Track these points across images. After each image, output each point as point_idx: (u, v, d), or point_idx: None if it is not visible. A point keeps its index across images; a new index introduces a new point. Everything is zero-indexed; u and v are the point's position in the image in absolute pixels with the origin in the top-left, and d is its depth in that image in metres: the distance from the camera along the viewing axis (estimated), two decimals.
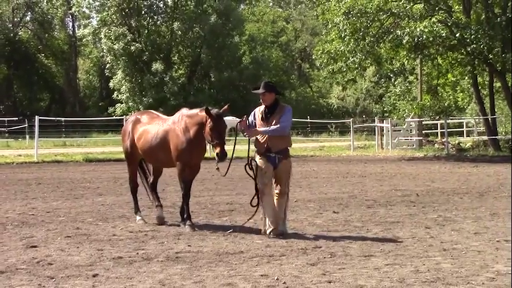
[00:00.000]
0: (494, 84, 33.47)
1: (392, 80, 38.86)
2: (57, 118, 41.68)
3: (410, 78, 38.63)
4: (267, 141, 9.96)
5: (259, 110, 10.12)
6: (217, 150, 9.92)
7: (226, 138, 10.35)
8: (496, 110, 34.30)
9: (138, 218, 11.20)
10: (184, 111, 10.74)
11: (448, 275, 7.23)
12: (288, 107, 10.14)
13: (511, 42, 29.00)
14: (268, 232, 9.68)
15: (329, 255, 8.31)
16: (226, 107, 10.45)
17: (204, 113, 10.12)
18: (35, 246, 8.96)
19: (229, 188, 16.73)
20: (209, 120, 10.04)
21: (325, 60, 31.93)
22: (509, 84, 33.12)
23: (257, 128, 9.99)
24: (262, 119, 10.02)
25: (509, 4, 30.32)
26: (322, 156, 32.97)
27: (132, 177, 11.65)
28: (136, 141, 11.14)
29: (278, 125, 9.85)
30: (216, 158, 9.94)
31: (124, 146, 11.60)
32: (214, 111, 10.12)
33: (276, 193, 9.92)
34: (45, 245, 9.07)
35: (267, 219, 9.80)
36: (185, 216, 10.50)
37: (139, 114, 11.74)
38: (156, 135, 10.80)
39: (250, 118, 10.14)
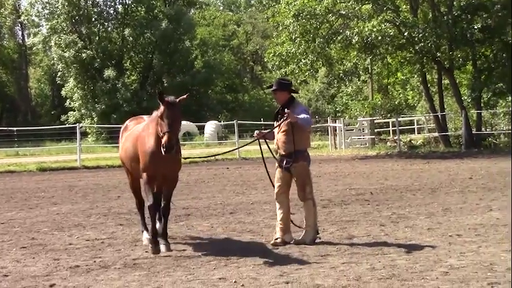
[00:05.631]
0: (442, 82, 34.04)
1: (345, 80, 39.08)
2: (9, 128, 40.96)
3: (363, 77, 39.00)
4: (277, 142, 9.37)
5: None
6: (164, 140, 8.35)
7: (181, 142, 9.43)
8: (445, 107, 34.85)
9: (144, 236, 9.73)
10: (154, 113, 9.04)
11: (403, 271, 7.36)
12: (303, 105, 9.35)
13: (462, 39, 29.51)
14: (273, 241, 9.22)
15: (286, 256, 8.38)
16: (185, 96, 9.05)
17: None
18: None
19: (185, 192, 16.53)
20: (161, 107, 8.60)
21: (277, 63, 32.10)
22: (457, 81, 33.72)
23: (291, 113, 8.91)
24: (275, 119, 9.42)
25: (454, 3, 30.88)
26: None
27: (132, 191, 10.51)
28: (122, 150, 10.18)
29: (307, 116, 8.95)
30: (162, 150, 8.36)
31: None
32: (169, 98, 8.68)
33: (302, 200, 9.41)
34: (0, 257, 8.97)
35: (276, 227, 9.42)
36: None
37: (130, 120, 10.41)
38: (131, 143, 9.57)
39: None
